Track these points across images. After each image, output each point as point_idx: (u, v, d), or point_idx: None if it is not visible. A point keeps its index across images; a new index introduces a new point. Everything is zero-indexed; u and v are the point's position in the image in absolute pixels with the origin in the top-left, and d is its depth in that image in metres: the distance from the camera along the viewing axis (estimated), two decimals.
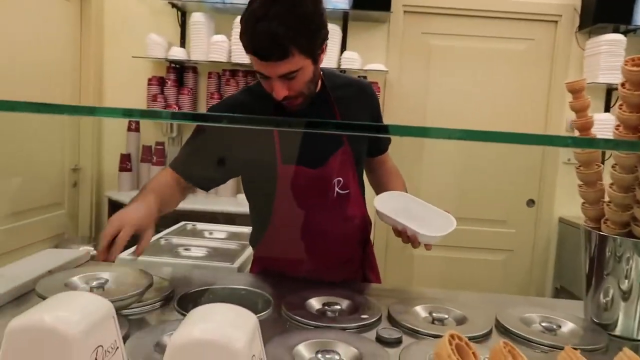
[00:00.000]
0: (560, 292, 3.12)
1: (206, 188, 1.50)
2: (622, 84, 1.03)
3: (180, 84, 3.12)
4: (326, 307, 1.21)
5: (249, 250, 1.71)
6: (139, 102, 3.08)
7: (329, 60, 2.93)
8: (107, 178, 3.20)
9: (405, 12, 3.13)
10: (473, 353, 0.62)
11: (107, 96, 3.15)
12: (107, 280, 1.15)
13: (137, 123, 3.12)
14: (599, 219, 1.19)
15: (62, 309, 0.65)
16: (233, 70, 3.08)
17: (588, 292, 1.24)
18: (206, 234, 2.04)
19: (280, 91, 1.20)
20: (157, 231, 2.17)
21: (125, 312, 1.11)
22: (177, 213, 2.60)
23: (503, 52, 3.18)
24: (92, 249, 2.95)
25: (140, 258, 1.64)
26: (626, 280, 1.16)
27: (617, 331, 1.17)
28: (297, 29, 1.12)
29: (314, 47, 1.20)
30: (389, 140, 1.57)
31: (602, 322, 1.20)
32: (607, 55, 2.87)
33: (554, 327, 1.17)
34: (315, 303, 1.22)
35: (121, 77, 3.16)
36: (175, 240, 1.84)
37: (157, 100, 3.01)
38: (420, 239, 1.25)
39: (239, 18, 3.02)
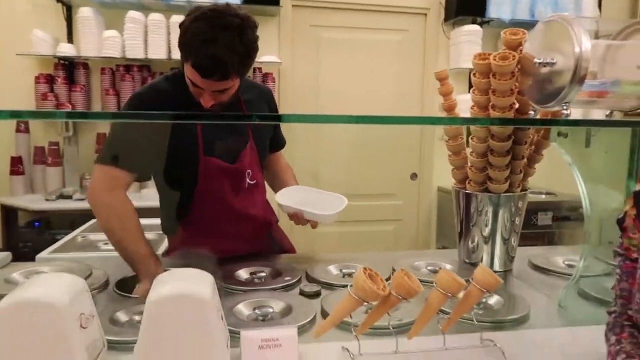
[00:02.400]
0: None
1: (147, 178, 1.56)
2: (474, 74, 1.33)
3: (71, 81, 3.04)
4: (253, 275, 1.40)
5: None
6: (27, 101, 2.95)
7: None
8: None
9: (293, 6, 3.34)
10: (381, 279, 0.85)
11: None
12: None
13: (26, 123, 2.99)
14: (464, 180, 1.51)
15: (44, 286, 0.77)
16: (127, 66, 3.07)
17: (460, 240, 1.56)
18: None
19: (208, 102, 1.35)
20: (71, 229, 2.17)
21: None
22: (86, 212, 2.60)
23: (382, 43, 3.53)
24: None
25: (65, 255, 1.69)
26: (486, 228, 1.49)
27: None
28: (241, 57, 1.26)
29: (249, 69, 1.37)
30: (283, 140, 1.79)
31: (471, 261, 1.52)
32: (468, 43, 3.33)
33: (437, 269, 1.47)
34: (243, 273, 1.40)
35: (5, 76, 2.99)
36: (92, 236, 1.89)
37: (48, 98, 2.91)
38: (320, 220, 1.49)
39: (130, 13, 2.99)
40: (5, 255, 1.52)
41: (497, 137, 1.36)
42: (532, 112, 1.30)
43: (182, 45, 1.31)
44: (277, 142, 1.75)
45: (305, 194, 1.61)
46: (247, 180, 1.55)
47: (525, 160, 1.46)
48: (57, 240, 1.91)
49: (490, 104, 1.32)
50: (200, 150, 1.44)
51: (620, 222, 0.90)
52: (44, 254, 1.65)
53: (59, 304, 0.73)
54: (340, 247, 3.49)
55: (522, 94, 1.31)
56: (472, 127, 1.42)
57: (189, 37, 1.28)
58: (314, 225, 1.52)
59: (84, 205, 2.76)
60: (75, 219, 2.51)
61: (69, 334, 0.74)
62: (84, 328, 0.78)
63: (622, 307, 0.88)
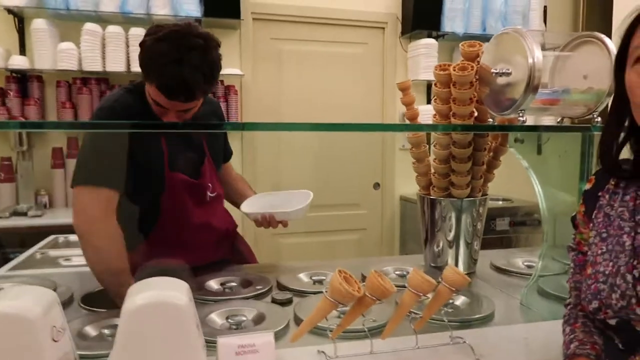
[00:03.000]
0: None
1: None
2: (435, 84, 1.39)
3: (24, 94, 2.94)
4: (223, 285, 1.39)
5: None
6: None
7: None
8: None
9: (254, 19, 3.36)
10: (355, 281, 0.87)
11: None
12: None
13: None
14: (429, 186, 1.56)
15: (16, 298, 0.75)
16: (84, 79, 3.00)
17: (426, 244, 1.61)
18: None
19: (172, 119, 1.36)
20: (26, 247, 2.08)
21: None
22: (42, 229, 2.50)
23: (343, 55, 3.59)
24: None
25: (24, 272, 1.63)
26: (450, 232, 1.54)
27: None
28: (206, 77, 1.27)
29: (213, 88, 1.37)
30: (231, 149, 1.81)
31: (437, 265, 1.57)
32: (424, 56, 3.44)
33: (404, 273, 1.51)
34: (213, 284, 1.39)
35: None
36: (52, 252, 1.83)
37: None
38: (291, 217, 1.50)
39: (87, 25, 2.93)
40: None
41: (459, 144, 1.42)
42: (490, 120, 1.37)
43: (145, 65, 1.30)
44: (227, 153, 1.77)
45: (270, 198, 1.63)
46: (209, 193, 1.56)
47: (484, 166, 1.52)
48: (11, 259, 1.83)
49: (452, 112, 1.38)
50: (165, 166, 1.43)
51: (573, 220, 0.96)
52: (1, 271, 1.58)
53: (32, 316, 0.71)
54: (306, 257, 3.49)
55: (481, 102, 1.37)
56: (434, 135, 1.47)
57: (153, 57, 1.27)
58: (285, 223, 1.53)
59: (40, 222, 2.69)
60: (30, 236, 2.42)
61: (42, 346, 0.72)
62: (56, 341, 0.76)
63: (575, 299, 0.94)
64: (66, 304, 1.25)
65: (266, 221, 1.51)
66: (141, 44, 1.31)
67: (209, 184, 1.55)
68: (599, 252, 0.85)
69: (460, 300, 1.26)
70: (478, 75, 1.32)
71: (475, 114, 1.40)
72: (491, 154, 1.54)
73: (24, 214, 2.72)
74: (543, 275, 1.38)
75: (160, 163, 1.44)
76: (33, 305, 0.73)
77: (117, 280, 1.30)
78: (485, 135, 1.45)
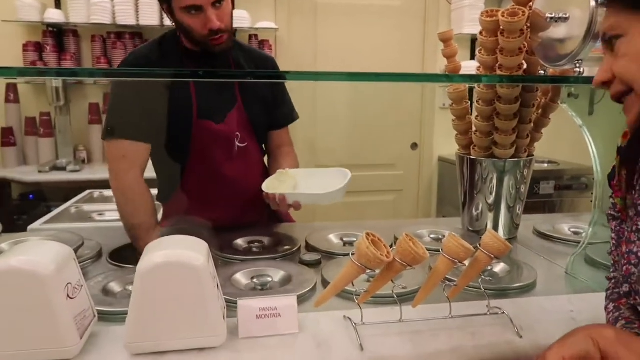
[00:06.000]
0: None
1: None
2: (480, 32, 1.26)
3: (60, 49, 2.94)
4: (251, 244, 1.36)
5: None
6: None
7: None
8: None
9: None
10: (384, 245, 0.81)
11: None
12: None
13: (16, 94, 2.91)
14: (469, 146, 1.45)
15: (31, 254, 0.72)
16: (119, 33, 2.97)
17: (464, 208, 1.52)
18: None
19: (214, 20, 1.31)
20: (65, 202, 2.11)
21: None
22: (78, 184, 2.55)
23: (382, 8, 3.41)
24: None
25: (56, 226, 1.64)
26: (491, 195, 1.44)
27: None
28: None
29: None
30: (288, 117, 1.64)
31: (475, 229, 1.48)
32: (470, 8, 3.23)
33: (440, 237, 1.43)
34: (241, 242, 1.36)
35: None
36: (87, 207, 1.84)
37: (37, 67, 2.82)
38: (319, 200, 1.29)
39: None
40: None
41: (504, 100, 1.30)
42: (542, 72, 1.24)
43: None
44: (278, 117, 1.60)
45: (302, 177, 1.42)
46: (237, 143, 1.48)
47: (532, 124, 1.40)
48: (51, 212, 1.87)
49: (498, 64, 1.26)
50: (194, 114, 1.39)
51: (610, 179, 0.83)
52: (36, 224, 1.60)
53: (43, 273, 0.68)
54: (340, 218, 3.44)
55: (531, 53, 1.24)
56: (477, 90, 1.35)
57: None
58: (297, 206, 1.32)
59: (79, 176, 2.74)
60: (70, 190, 2.47)
61: (55, 303, 0.70)
62: (72, 298, 0.74)
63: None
64: (94, 259, 1.24)
65: (276, 202, 1.30)
66: None
67: (237, 133, 1.47)
68: (634, 228, 0.72)
69: (499, 268, 1.18)
70: (530, 22, 1.19)
71: (525, 66, 1.27)
72: (540, 111, 1.42)
73: (63, 169, 2.77)
74: (593, 243, 1.27)
75: (189, 110, 1.40)
76: (45, 261, 0.70)
77: (140, 234, 1.32)
78: (534, 90, 1.32)
